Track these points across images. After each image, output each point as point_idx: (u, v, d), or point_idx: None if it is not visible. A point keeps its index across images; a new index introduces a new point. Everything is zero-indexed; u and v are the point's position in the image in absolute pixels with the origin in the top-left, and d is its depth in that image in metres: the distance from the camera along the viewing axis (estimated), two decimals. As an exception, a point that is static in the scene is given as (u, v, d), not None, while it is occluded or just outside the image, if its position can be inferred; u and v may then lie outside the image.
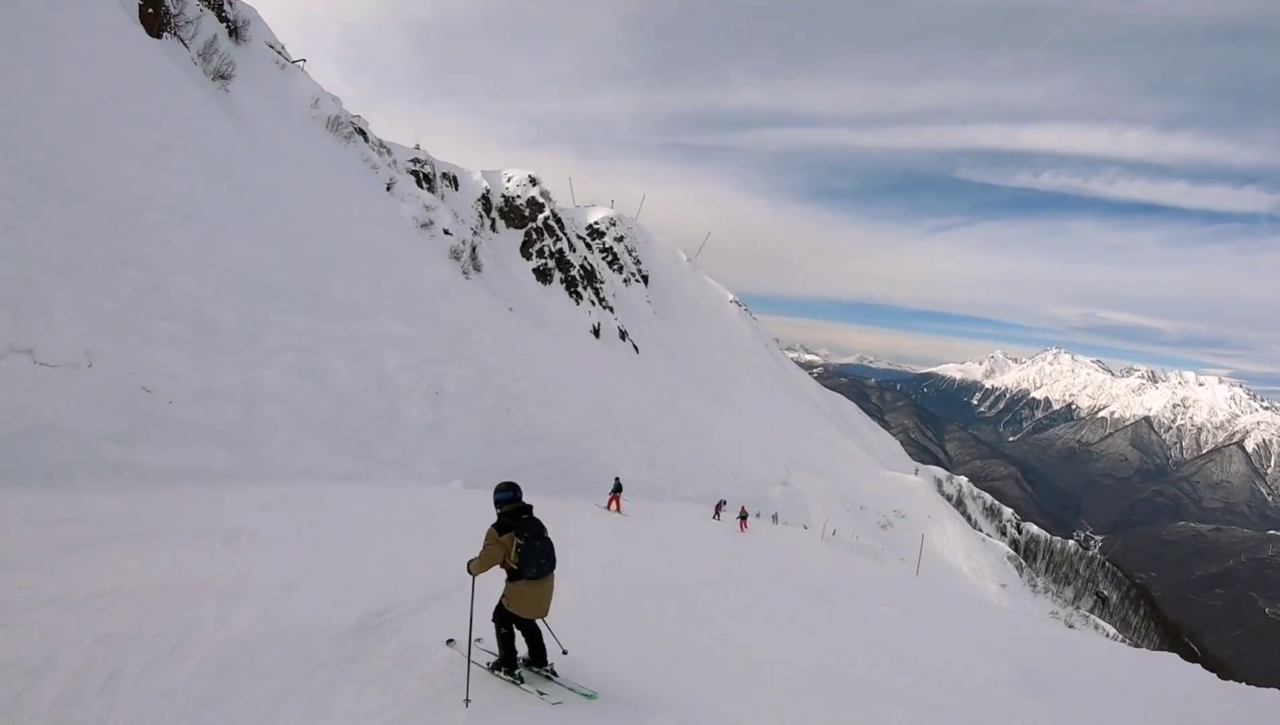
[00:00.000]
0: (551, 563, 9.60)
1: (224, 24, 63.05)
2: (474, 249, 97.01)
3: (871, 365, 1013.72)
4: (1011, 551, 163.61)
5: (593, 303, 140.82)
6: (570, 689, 9.93)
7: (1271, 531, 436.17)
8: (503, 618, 9.84)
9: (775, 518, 74.63)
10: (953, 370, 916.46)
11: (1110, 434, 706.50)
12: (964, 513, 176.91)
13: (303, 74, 78.66)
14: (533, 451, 39.99)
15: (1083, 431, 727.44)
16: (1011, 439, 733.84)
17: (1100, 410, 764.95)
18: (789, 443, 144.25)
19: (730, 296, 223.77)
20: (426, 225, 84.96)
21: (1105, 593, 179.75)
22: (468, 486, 29.12)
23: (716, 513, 51.11)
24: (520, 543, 9.36)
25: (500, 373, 46.74)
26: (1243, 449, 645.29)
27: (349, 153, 77.74)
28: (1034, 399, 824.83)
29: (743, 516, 49.75)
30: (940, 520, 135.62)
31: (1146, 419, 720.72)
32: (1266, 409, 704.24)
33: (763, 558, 32.09)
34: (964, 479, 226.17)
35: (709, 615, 16.16)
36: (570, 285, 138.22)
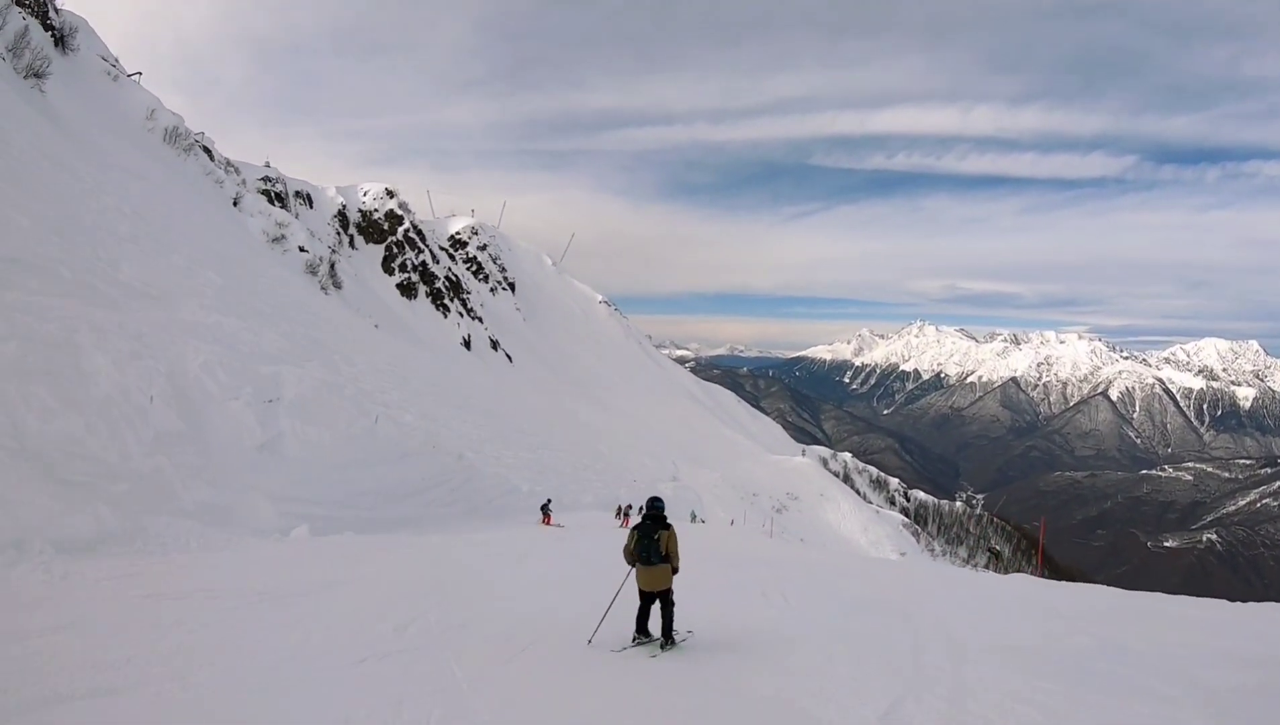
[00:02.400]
0: (645, 557, 11.89)
1: (49, 32, 60.06)
2: (332, 266, 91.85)
3: (742, 354, 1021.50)
4: (906, 519, 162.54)
5: (461, 314, 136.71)
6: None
7: (1143, 471, 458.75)
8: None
9: (693, 516, 71.17)
10: (823, 351, 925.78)
11: (980, 397, 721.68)
12: (853, 488, 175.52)
13: (138, 86, 73.91)
14: (412, 470, 33.30)
15: (954, 398, 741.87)
16: (886, 412, 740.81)
17: (968, 376, 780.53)
18: (673, 438, 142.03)
19: (599, 297, 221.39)
20: (278, 240, 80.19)
21: (997, 547, 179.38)
22: (318, 532, 20.21)
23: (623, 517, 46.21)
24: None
25: (363, 380, 40.98)
26: (1107, 398, 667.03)
27: (189, 166, 72.80)
28: (904, 372, 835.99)
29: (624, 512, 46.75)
30: (833, 498, 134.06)
31: (1013, 380, 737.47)
32: (1126, 358, 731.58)
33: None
34: (848, 455, 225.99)
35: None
36: (436, 298, 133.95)
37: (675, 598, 12.02)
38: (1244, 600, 21.29)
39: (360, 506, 25.73)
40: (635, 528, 11.99)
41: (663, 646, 11.81)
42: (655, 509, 12.11)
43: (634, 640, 11.98)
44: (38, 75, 46.82)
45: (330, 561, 16.67)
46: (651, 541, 11.76)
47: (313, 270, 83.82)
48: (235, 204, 78.56)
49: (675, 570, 12.00)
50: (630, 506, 51.22)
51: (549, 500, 40.88)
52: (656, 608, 12.15)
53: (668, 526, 11.99)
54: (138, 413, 19.10)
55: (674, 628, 12.07)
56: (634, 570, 12.05)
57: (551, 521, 39.16)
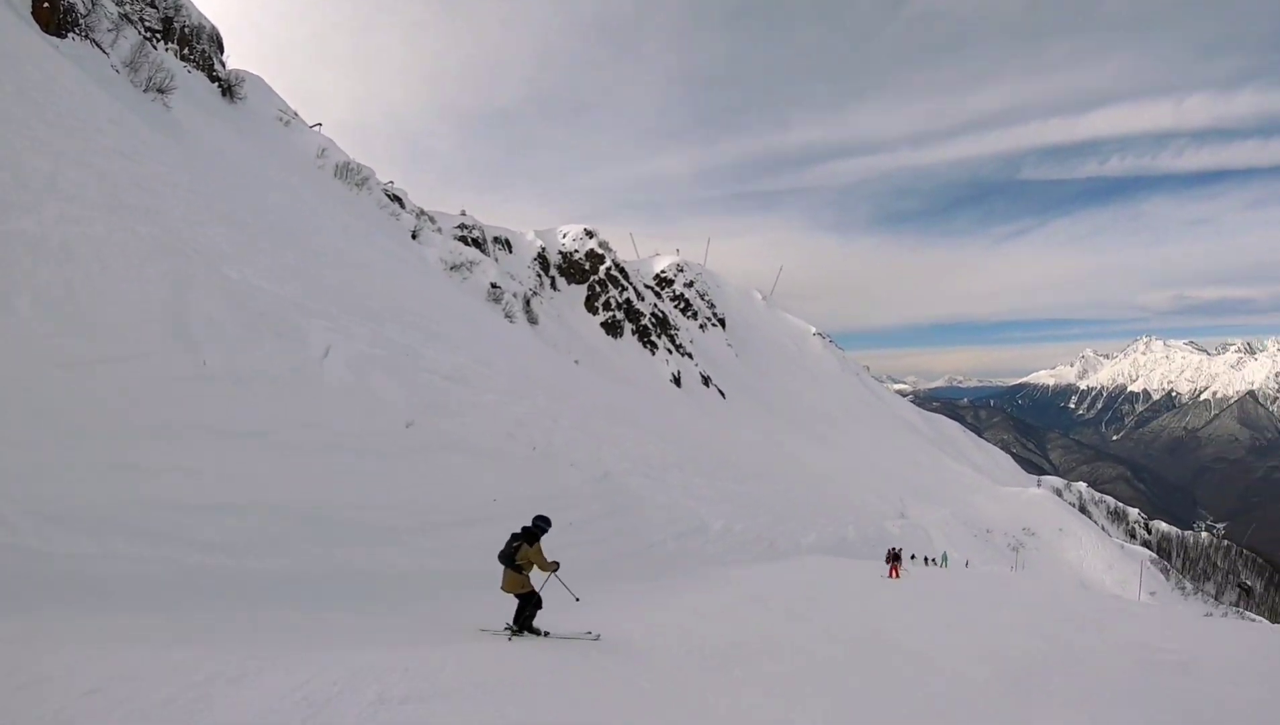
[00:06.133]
0: (502, 557, 13.17)
1: (215, 83, 65.21)
2: (528, 302, 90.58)
3: (961, 385, 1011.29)
4: (1153, 554, 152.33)
5: (669, 351, 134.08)
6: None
7: None
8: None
9: (944, 559, 66.30)
10: (1045, 377, 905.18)
11: (1216, 416, 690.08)
12: (1090, 520, 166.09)
13: (312, 131, 76.71)
14: (485, 480, 25.78)
15: (1187, 418, 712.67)
16: (1115, 438, 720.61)
17: (1201, 393, 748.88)
18: (898, 473, 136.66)
19: (813, 330, 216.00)
20: (458, 267, 79.43)
21: (1248, 583, 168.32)
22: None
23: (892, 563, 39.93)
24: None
25: (480, 365, 36.51)
26: None
27: (361, 198, 73.50)
28: (1132, 393, 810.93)
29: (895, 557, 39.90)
30: (1073, 532, 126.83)
31: (1251, 393, 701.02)
32: None
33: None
34: (1083, 485, 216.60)
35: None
36: (643, 335, 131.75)
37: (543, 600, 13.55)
38: None
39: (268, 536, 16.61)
40: (512, 533, 13.42)
41: (515, 633, 13.30)
42: (536, 526, 13.51)
43: (508, 630, 13.38)
44: (160, 90, 47.74)
45: None
46: (511, 549, 13.10)
47: (496, 299, 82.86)
48: (414, 237, 78.62)
49: (555, 565, 13.35)
50: (900, 551, 47.21)
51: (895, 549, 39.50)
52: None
53: (533, 542, 13.14)
54: None
55: (535, 624, 13.52)
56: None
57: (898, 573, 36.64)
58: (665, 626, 15.79)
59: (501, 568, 13.30)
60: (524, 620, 13.44)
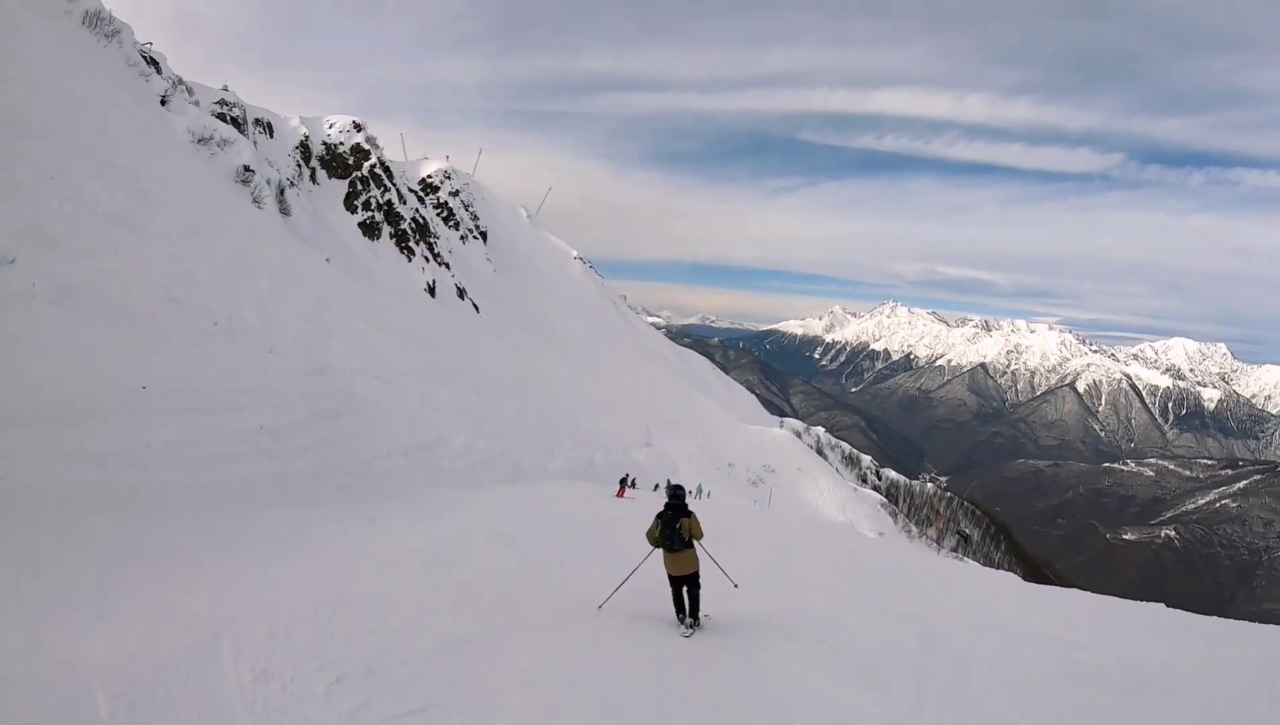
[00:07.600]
0: (669, 544, 12.13)
1: None
2: (282, 190, 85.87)
3: (714, 325, 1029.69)
4: (883, 499, 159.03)
5: (426, 259, 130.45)
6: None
7: (1105, 464, 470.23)
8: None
9: (700, 490, 68.68)
10: (794, 326, 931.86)
11: (948, 381, 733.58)
12: (826, 462, 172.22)
13: None
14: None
15: (922, 380, 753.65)
16: (854, 390, 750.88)
17: (938, 359, 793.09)
18: (647, 402, 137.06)
19: (574, 253, 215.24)
20: (205, 140, 74.07)
21: (967, 531, 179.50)
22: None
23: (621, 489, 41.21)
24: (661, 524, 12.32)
25: (168, 218, 31.11)
26: (1074, 390, 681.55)
27: (108, 52, 65.16)
28: (874, 351, 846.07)
29: (624, 483, 42.49)
30: (810, 473, 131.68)
31: (982, 365, 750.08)
32: (1095, 352, 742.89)
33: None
34: (821, 429, 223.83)
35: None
36: (401, 240, 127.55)
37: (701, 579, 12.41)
38: (1197, 597, 17.57)
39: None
40: (659, 515, 12.31)
41: (690, 627, 12.31)
42: (677, 497, 12.50)
43: (686, 625, 12.31)
44: None
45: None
46: (674, 530, 12.11)
47: (246, 182, 77.48)
48: (163, 103, 71.95)
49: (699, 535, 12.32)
50: (632, 479, 46.71)
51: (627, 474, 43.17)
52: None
53: (689, 514, 12.24)
54: None
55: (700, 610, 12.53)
56: (655, 553, 12.65)
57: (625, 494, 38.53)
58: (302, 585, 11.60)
59: (660, 551, 12.39)
60: (696, 606, 12.48)
